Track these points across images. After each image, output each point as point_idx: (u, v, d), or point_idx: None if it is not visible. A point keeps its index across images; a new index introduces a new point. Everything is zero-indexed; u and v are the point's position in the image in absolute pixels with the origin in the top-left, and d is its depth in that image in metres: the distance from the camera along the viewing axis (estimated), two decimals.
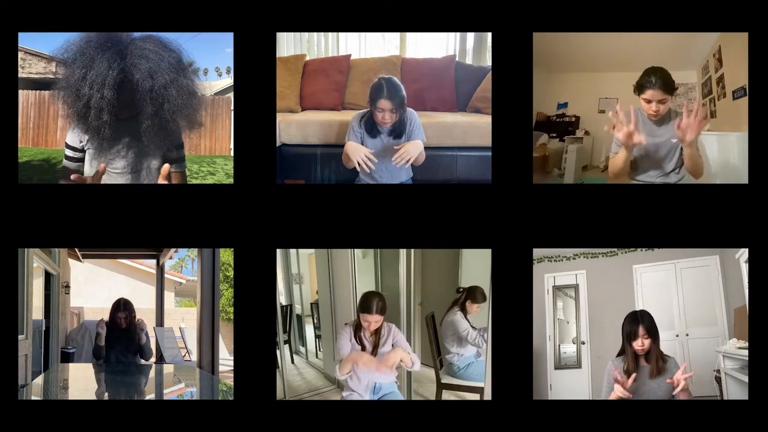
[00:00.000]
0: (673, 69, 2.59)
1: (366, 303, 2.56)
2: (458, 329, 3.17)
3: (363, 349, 2.58)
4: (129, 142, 2.36)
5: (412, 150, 2.68)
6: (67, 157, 2.41)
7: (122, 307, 3.95)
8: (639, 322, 2.42)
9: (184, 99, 2.29)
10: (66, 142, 2.41)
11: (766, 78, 2.41)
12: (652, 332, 2.41)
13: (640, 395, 2.39)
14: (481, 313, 3.16)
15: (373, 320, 2.55)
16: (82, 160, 2.41)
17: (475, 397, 2.97)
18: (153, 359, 4.25)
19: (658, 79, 2.52)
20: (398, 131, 2.78)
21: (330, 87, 3.64)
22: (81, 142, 2.38)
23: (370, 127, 2.80)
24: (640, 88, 2.56)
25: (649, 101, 2.55)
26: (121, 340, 3.92)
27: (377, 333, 2.59)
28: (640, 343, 2.40)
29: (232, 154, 4.40)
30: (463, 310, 3.22)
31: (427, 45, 4.02)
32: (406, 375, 3.00)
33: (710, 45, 3.37)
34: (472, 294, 3.21)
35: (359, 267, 3.33)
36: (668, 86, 2.53)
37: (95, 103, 2.19)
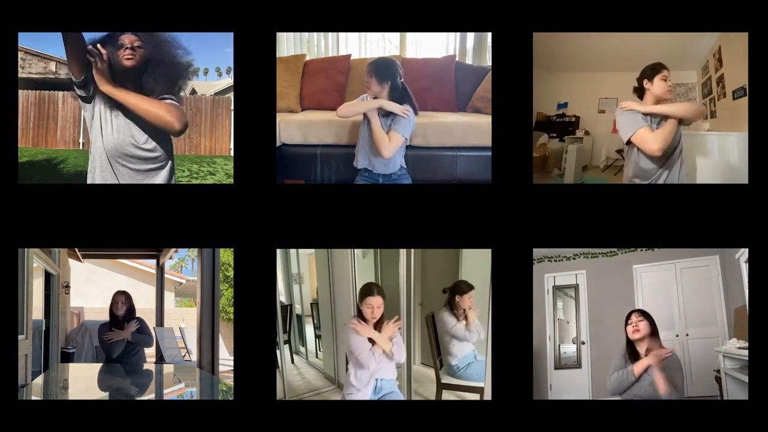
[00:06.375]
0: (673, 69, 2.60)
1: (366, 288, 2.60)
2: (447, 326, 3.15)
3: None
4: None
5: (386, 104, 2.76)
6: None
7: (119, 294, 3.94)
8: (634, 310, 2.57)
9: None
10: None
11: (766, 78, 2.41)
12: (647, 315, 2.51)
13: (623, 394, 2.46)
14: (479, 303, 3.14)
15: (375, 303, 2.56)
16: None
17: (475, 397, 2.96)
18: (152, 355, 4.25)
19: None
20: (386, 113, 2.83)
21: (330, 87, 3.64)
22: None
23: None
24: (653, 71, 2.61)
25: (665, 78, 2.60)
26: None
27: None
28: (634, 325, 2.50)
29: (232, 154, 4.40)
30: (452, 308, 3.19)
31: (427, 45, 4.02)
32: (406, 375, 3.00)
33: (710, 45, 3.37)
34: (456, 288, 3.20)
35: (359, 267, 3.33)
36: None
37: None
